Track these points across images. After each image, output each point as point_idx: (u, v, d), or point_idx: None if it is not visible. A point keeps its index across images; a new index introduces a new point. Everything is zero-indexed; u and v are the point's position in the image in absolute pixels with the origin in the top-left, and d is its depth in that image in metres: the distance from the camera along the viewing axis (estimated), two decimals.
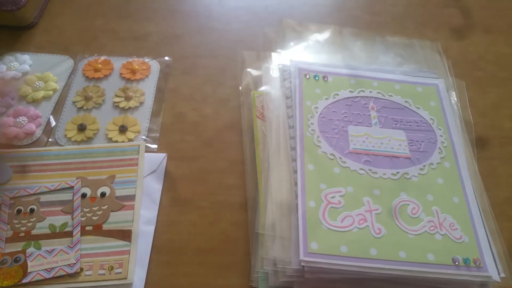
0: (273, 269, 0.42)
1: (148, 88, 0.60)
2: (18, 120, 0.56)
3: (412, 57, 0.61)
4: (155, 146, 0.55)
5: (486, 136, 0.57)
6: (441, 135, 0.51)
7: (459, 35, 0.68)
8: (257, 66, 0.61)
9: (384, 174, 0.47)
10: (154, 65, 0.62)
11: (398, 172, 0.47)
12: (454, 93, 0.57)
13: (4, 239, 0.47)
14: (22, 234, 0.47)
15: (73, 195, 0.50)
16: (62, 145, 0.54)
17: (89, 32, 0.66)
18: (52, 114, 0.58)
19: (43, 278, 0.45)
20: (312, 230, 0.42)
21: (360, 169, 0.47)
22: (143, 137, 0.55)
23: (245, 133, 0.55)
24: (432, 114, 0.52)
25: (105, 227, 0.48)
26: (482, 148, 0.55)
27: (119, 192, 0.50)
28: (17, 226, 0.48)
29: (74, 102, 0.58)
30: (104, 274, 0.45)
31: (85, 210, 0.49)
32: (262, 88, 0.57)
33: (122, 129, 0.55)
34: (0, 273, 0.45)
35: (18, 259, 0.46)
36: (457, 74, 0.60)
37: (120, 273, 0.45)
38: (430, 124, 0.51)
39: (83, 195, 0.50)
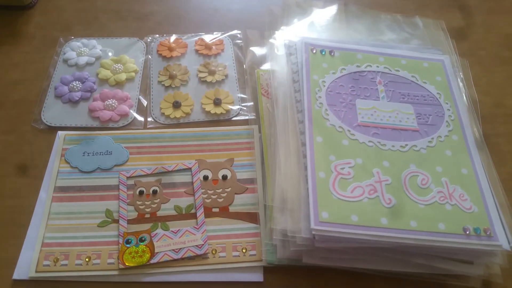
0: (282, 239, 0.42)
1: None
2: (107, 103, 0.55)
3: (417, 34, 0.61)
4: (253, 116, 0.55)
5: (490, 113, 0.57)
6: (448, 109, 0.50)
7: (461, 15, 0.68)
8: (261, 44, 0.60)
9: (393, 146, 0.47)
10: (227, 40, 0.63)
11: (406, 145, 0.47)
12: (458, 69, 0.57)
13: (126, 219, 0.46)
14: (147, 216, 0.47)
15: (192, 176, 0.49)
16: (161, 123, 0.54)
17: (90, 12, 0.66)
18: (140, 94, 0.57)
19: (171, 258, 0.43)
20: (322, 200, 0.41)
21: (369, 141, 0.46)
22: (239, 106, 0.56)
23: (250, 110, 0.55)
24: (438, 89, 0.52)
25: (232, 209, 0.47)
26: (487, 125, 0.55)
27: (239, 175, 0.50)
28: (141, 207, 0.47)
29: (160, 82, 0.58)
30: (238, 256, 0.44)
31: (209, 192, 0.48)
32: (266, 66, 0.57)
33: (217, 102, 0.56)
34: (127, 252, 0.44)
35: (143, 238, 0.45)
36: (459, 53, 0.59)
37: (254, 255, 0.44)
38: (437, 98, 0.51)
39: (205, 177, 0.49)
